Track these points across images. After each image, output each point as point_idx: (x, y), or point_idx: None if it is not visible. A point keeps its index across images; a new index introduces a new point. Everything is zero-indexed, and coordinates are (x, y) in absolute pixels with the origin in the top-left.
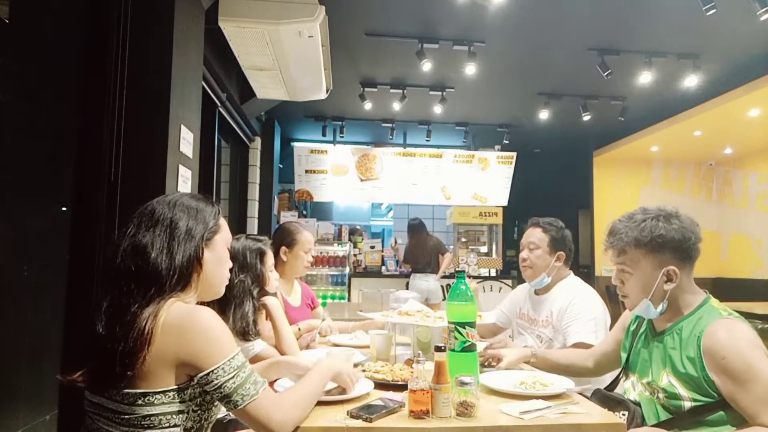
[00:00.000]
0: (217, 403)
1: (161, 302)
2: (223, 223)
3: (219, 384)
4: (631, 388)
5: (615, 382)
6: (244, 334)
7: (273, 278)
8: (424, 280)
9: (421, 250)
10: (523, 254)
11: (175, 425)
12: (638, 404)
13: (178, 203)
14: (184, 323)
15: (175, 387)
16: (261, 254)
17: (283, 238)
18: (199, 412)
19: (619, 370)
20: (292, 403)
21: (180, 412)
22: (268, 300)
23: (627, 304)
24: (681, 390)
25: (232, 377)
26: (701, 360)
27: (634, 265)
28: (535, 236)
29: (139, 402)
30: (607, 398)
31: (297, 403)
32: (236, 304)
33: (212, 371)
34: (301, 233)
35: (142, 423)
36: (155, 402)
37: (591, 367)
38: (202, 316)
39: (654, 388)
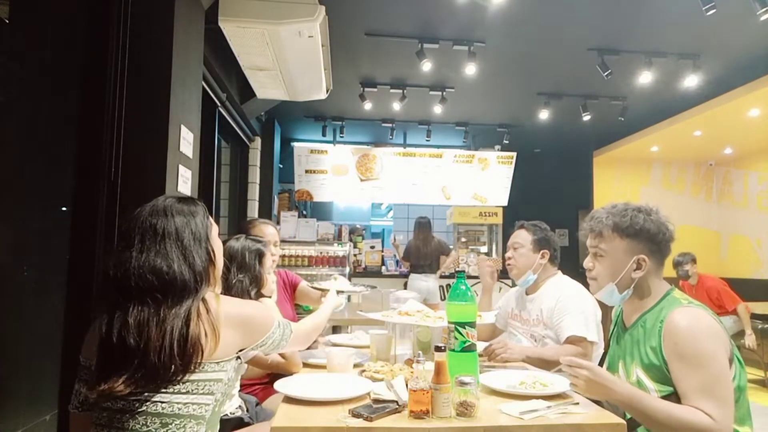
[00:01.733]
0: (234, 381)
1: (200, 299)
2: (210, 218)
3: (270, 342)
4: None
5: None
6: None
7: (271, 280)
8: (423, 280)
9: (424, 249)
10: (508, 254)
11: (211, 393)
12: None
13: (174, 213)
14: (242, 318)
15: (225, 359)
16: (260, 255)
17: None
18: (228, 384)
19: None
20: (307, 328)
21: (219, 380)
22: (265, 302)
23: (593, 287)
24: (648, 383)
25: (278, 332)
26: (661, 347)
27: (608, 248)
28: (519, 237)
29: (194, 369)
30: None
31: (309, 328)
32: None
33: (266, 338)
34: (255, 227)
35: (188, 389)
36: (208, 369)
37: None
38: (252, 308)
39: None
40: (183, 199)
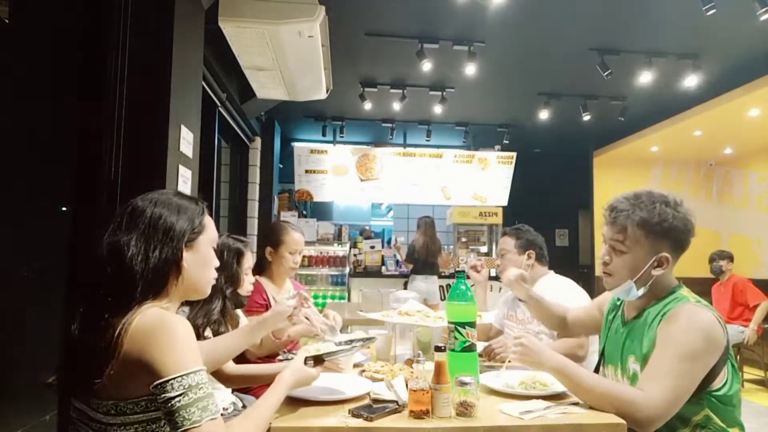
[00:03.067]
0: None
1: (135, 310)
2: (209, 222)
3: (166, 398)
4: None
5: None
6: (196, 330)
7: (248, 281)
8: (424, 281)
9: (431, 249)
10: (497, 262)
11: (153, 431)
12: None
13: (160, 201)
14: (153, 327)
15: (146, 396)
16: (239, 255)
17: (269, 238)
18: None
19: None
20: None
21: (157, 419)
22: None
23: (608, 282)
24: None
25: (180, 395)
26: (656, 337)
27: (631, 245)
28: (505, 243)
29: (112, 412)
30: None
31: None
32: (204, 300)
33: (162, 384)
34: (288, 234)
35: (120, 431)
36: (128, 412)
37: (565, 324)
38: (172, 323)
39: (623, 381)
40: (180, 194)
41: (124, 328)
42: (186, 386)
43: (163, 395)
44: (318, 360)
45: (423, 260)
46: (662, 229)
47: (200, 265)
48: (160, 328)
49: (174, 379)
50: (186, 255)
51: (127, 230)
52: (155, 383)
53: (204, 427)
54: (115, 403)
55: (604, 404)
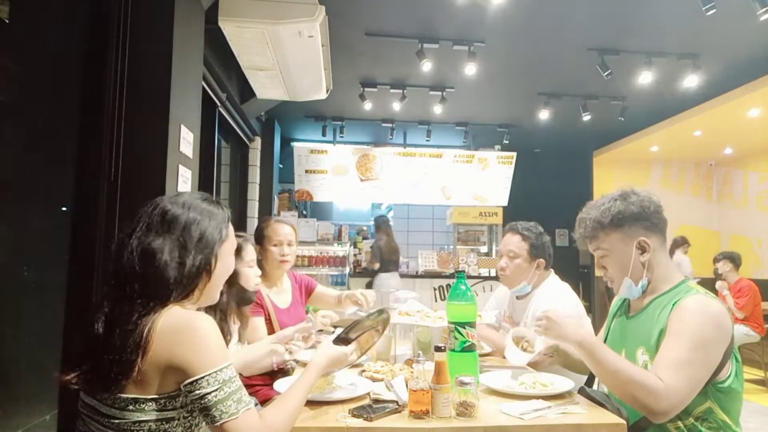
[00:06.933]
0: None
1: (162, 310)
2: (231, 230)
3: (201, 394)
4: None
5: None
6: None
7: (253, 275)
8: (392, 278)
9: (393, 246)
10: (502, 263)
11: (165, 431)
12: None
13: (192, 207)
14: (180, 327)
15: (166, 394)
16: (236, 248)
17: (255, 237)
18: (189, 418)
19: None
20: (277, 425)
21: (171, 419)
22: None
23: (615, 288)
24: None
25: (216, 390)
26: (666, 327)
27: (607, 246)
28: (513, 244)
29: (131, 408)
30: (590, 398)
31: (282, 424)
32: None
33: (197, 380)
34: (268, 227)
35: (132, 428)
36: (146, 408)
37: None
38: (199, 322)
39: None
40: (207, 199)
41: (151, 327)
42: (221, 381)
43: (198, 391)
44: (346, 340)
45: (388, 258)
46: (619, 221)
47: (223, 272)
48: (188, 326)
49: (209, 375)
50: (215, 261)
51: (158, 233)
52: (188, 381)
53: (241, 417)
54: (135, 399)
55: (624, 391)
